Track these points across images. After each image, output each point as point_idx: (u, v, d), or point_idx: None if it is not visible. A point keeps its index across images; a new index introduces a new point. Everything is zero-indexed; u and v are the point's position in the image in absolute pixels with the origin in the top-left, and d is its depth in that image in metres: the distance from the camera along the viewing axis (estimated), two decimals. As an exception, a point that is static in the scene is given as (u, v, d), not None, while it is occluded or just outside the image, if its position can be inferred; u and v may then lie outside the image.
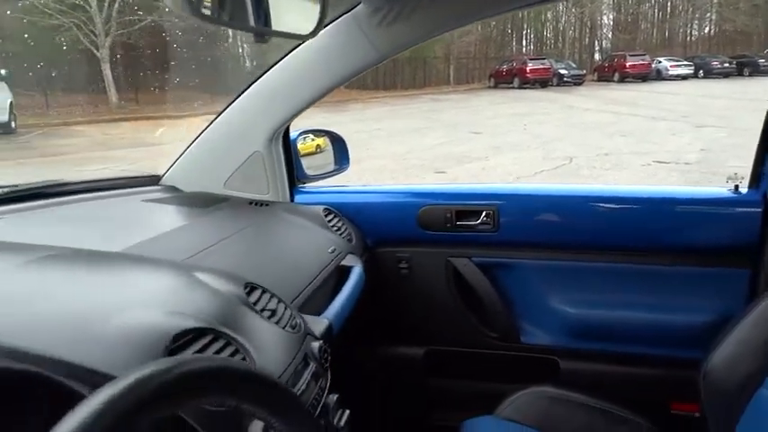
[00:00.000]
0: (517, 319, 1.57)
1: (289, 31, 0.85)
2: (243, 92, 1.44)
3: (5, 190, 1.25)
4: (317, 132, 1.75)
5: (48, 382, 0.53)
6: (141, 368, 0.43)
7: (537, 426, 1.21)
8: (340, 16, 1.29)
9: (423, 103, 18.63)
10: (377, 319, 1.61)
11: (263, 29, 0.77)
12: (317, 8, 0.90)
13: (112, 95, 16.74)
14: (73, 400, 0.53)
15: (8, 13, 15.67)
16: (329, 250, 1.31)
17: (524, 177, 7.28)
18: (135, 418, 0.40)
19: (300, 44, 1.34)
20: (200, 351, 0.68)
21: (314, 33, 0.91)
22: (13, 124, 12.29)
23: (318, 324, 0.98)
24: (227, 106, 1.47)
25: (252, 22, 0.75)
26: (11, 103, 12.30)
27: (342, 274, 1.30)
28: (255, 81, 1.41)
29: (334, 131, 1.77)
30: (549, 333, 1.55)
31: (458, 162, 8.33)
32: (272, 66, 1.38)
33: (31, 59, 15.56)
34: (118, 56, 17.66)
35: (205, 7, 0.68)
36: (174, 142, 10.70)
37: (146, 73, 18.51)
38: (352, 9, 1.26)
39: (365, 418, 0.94)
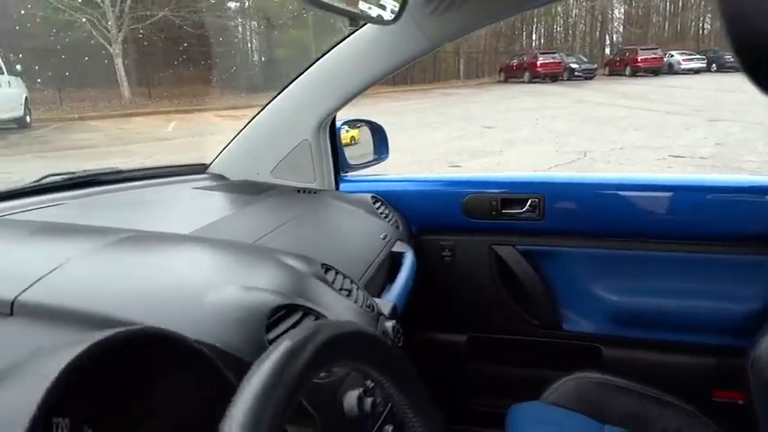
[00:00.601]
0: (560, 307, 1.58)
1: (375, 16, 0.89)
2: (291, 82, 1.46)
3: (65, 176, 1.28)
4: (357, 122, 1.77)
5: (173, 346, 0.54)
6: (290, 336, 0.44)
7: (584, 410, 1.22)
8: (392, 6, 1.30)
9: (433, 98, 18.58)
10: (420, 306, 1.63)
11: (355, 14, 0.81)
12: None
13: (125, 90, 16.83)
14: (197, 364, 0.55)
15: (28, 8, 15.76)
16: (381, 236, 1.33)
17: (539, 171, 7.26)
18: (298, 388, 0.41)
19: (351, 34, 1.36)
20: (294, 326, 0.70)
21: (396, 19, 0.95)
22: (28, 119, 12.43)
23: (385, 306, 1.00)
24: (275, 97, 1.49)
25: (347, 8, 0.79)
26: (26, 98, 12.43)
27: (393, 260, 1.32)
28: (305, 71, 1.43)
29: (375, 121, 1.79)
30: (591, 321, 1.56)
31: (471, 156, 8.32)
32: (322, 55, 1.40)
33: (45, 55, 15.67)
34: (130, 51, 17.75)
35: None
36: (186, 137, 10.79)
37: (158, 68, 18.63)
38: (404, -1, 1.26)
39: None
